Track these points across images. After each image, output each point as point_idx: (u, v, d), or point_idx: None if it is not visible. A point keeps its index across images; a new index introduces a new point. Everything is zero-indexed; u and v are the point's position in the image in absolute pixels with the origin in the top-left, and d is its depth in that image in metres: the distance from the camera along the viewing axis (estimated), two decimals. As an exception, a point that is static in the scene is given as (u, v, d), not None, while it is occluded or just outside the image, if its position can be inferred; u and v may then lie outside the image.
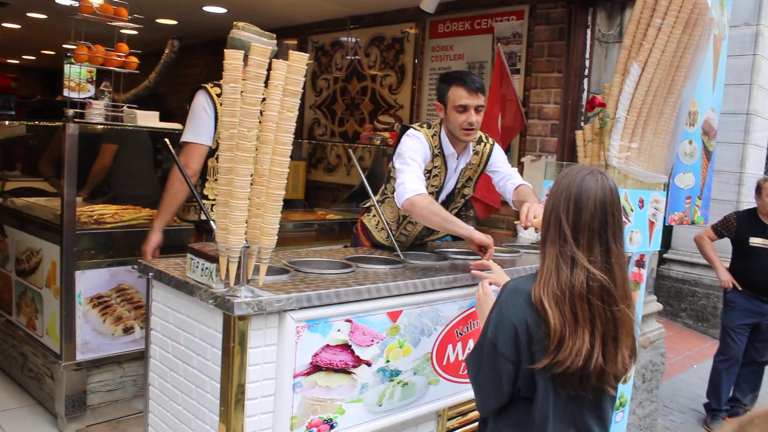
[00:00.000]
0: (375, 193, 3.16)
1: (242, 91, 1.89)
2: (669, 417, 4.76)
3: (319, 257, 2.75)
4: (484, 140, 3.14)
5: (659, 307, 4.57)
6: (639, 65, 3.45)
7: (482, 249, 2.68)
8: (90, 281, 3.36)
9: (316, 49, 5.98)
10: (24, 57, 6.90)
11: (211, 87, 3.05)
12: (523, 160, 4.14)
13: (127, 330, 3.49)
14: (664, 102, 3.62)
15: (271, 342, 2.08)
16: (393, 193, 3.01)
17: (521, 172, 4.21)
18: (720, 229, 4.71)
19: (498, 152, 3.16)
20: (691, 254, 4.86)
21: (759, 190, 4.52)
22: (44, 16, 5.79)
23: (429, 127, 2.99)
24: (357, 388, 2.30)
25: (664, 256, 7.26)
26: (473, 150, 3.07)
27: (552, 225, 1.80)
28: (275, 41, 2.85)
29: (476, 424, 2.92)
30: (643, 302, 4.28)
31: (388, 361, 2.39)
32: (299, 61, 1.94)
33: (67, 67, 4.15)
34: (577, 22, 3.92)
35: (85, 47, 3.19)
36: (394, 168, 2.94)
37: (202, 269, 2.11)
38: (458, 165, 3.04)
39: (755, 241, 4.47)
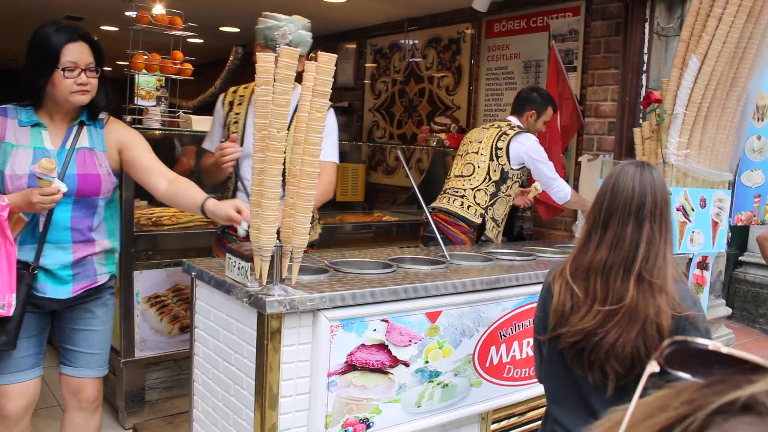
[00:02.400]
0: (431, 199, 3.57)
1: (273, 93, 1.92)
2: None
3: (363, 257, 2.76)
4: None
5: (727, 311, 4.37)
6: (698, 58, 3.32)
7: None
8: (148, 281, 3.47)
9: (375, 52, 6.01)
10: (103, 69, 7.23)
11: (233, 91, 2.93)
12: (580, 159, 4.04)
13: (183, 329, 3.59)
14: (727, 96, 3.47)
15: (305, 340, 2.10)
16: (507, 191, 3.51)
17: (578, 171, 4.11)
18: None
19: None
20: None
21: None
22: (116, 29, 6.05)
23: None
24: (394, 389, 2.30)
25: (740, 258, 6.92)
26: None
27: (592, 211, 1.82)
28: (306, 26, 2.79)
29: (524, 427, 2.87)
30: (708, 307, 4.10)
31: (427, 362, 2.37)
32: (327, 62, 1.95)
33: (137, 77, 4.34)
34: (635, 15, 3.80)
35: (142, 56, 3.32)
36: (511, 169, 3.46)
37: (239, 268, 2.15)
38: None
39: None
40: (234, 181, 2.77)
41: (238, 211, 2.23)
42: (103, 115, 2.36)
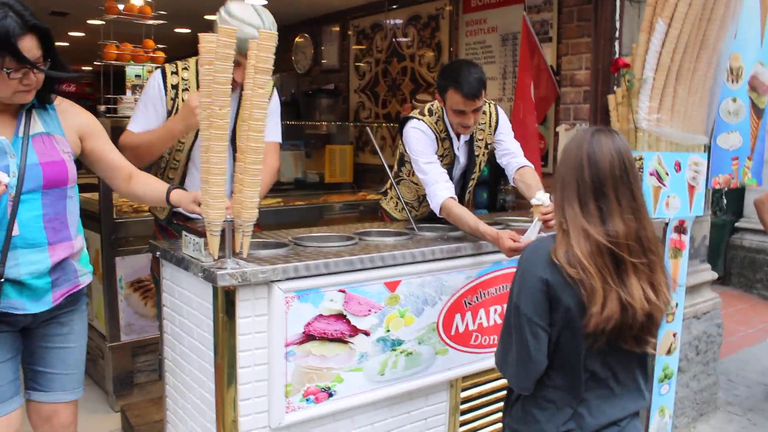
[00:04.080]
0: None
1: (213, 71, 1.96)
2: (733, 391, 4.55)
3: (329, 232, 2.80)
4: (486, 101, 3.08)
5: (713, 276, 4.36)
6: (665, 21, 3.31)
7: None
8: (130, 267, 3.55)
9: (357, 33, 6.02)
10: (96, 63, 7.29)
11: (172, 72, 2.66)
12: (557, 129, 4.05)
13: (168, 312, 3.67)
14: (697, 58, 3.45)
15: (261, 312, 2.15)
16: (409, 175, 3.15)
17: (556, 141, 4.12)
18: (784, 193, 4.42)
19: (504, 120, 3.13)
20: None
21: None
22: (102, 22, 6.10)
23: (431, 113, 3.00)
24: (355, 357, 2.35)
25: (736, 225, 6.90)
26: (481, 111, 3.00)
27: (569, 185, 1.76)
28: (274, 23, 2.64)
29: (496, 395, 2.91)
30: (690, 271, 4.11)
31: (388, 331, 2.42)
32: (268, 39, 1.99)
33: (128, 69, 4.39)
34: (605, -18, 3.78)
35: (113, 46, 3.36)
36: (406, 153, 3.02)
37: (194, 244, 2.20)
38: (461, 139, 3.06)
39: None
40: (183, 168, 2.72)
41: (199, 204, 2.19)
42: (52, 97, 2.11)
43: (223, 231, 2.10)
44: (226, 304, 2.08)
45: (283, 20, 6.79)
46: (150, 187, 2.33)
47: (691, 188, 3.61)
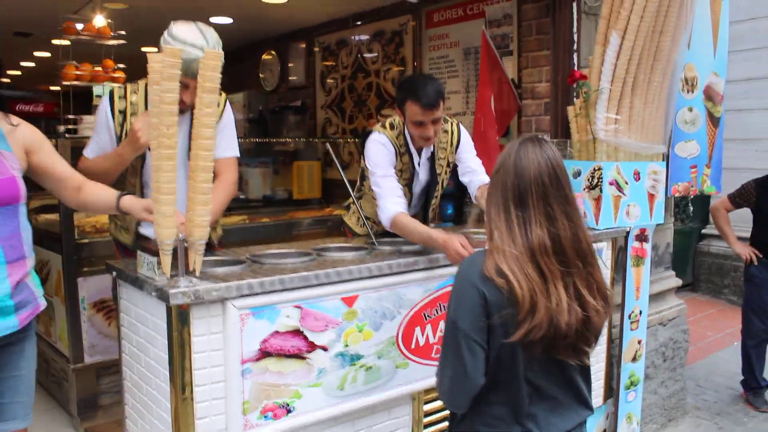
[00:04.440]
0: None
1: (160, 91, 1.97)
2: (701, 396, 4.60)
3: (288, 249, 2.80)
4: (447, 120, 3.16)
5: (677, 282, 4.42)
6: (618, 34, 3.37)
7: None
8: (93, 287, 3.52)
9: (323, 50, 6.07)
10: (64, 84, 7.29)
11: (120, 97, 2.65)
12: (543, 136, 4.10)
13: (133, 332, 3.64)
14: (652, 70, 3.52)
15: (215, 330, 2.15)
16: (370, 190, 3.10)
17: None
18: (737, 199, 4.49)
19: (466, 138, 3.18)
20: (732, 229, 4.63)
21: None
22: (67, 42, 6.09)
23: (393, 127, 3.02)
24: (313, 373, 2.35)
25: (703, 231, 7.01)
26: (442, 130, 3.08)
27: (495, 195, 1.78)
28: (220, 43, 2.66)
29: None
30: (654, 279, 4.16)
31: (347, 346, 2.42)
32: (213, 57, 2.00)
33: (94, 89, 4.37)
34: (562, -3, 3.85)
35: (73, 66, 3.35)
36: (367, 167, 3.02)
37: (147, 264, 2.20)
38: (421, 158, 3.09)
39: (777, 209, 4.25)
40: (140, 190, 2.71)
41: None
42: None
43: (175, 250, 2.10)
44: (180, 322, 2.07)
45: (250, 38, 6.86)
46: (100, 195, 2.32)
47: (651, 197, 3.67)
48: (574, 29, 3.87)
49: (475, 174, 3.11)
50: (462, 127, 3.20)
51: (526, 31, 4.14)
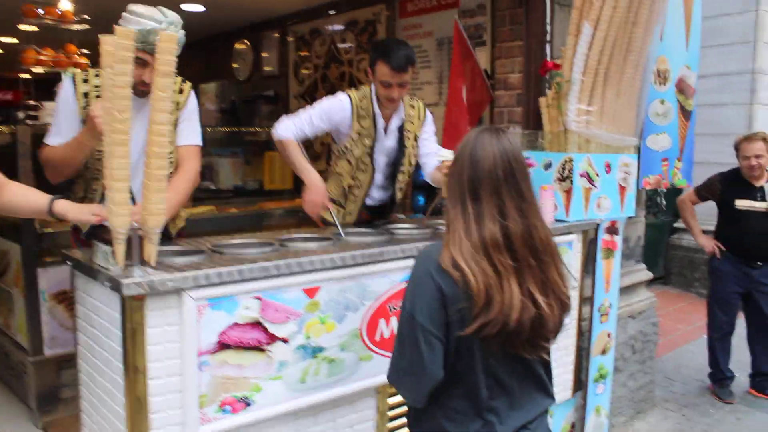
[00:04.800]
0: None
1: (112, 75, 1.90)
2: (669, 388, 4.62)
3: (251, 239, 2.74)
4: (412, 98, 3.31)
5: (648, 276, 4.43)
6: (591, 24, 3.34)
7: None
8: (54, 278, 3.43)
9: (297, 39, 5.99)
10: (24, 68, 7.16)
11: (83, 80, 2.60)
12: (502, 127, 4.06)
13: (95, 324, 3.56)
14: (624, 61, 3.50)
15: (172, 321, 2.08)
16: (335, 167, 3.23)
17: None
18: (703, 192, 4.52)
19: (430, 119, 3.30)
20: (702, 222, 4.67)
21: (737, 149, 4.32)
22: (35, 28, 5.95)
23: (359, 91, 3.13)
24: (274, 366, 2.29)
25: (675, 225, 7.04)
26: (408, 104, 3.22)
27: (453, 186, 1.75)
28: (180, 24, 2.52)
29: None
30: (625, 272, 4.16)
31: (308, 338, 2.37)
32: (168, 40, 1.93)
33: (63, 75, 4.26)
34: (535, -14, 3.82)
35: (33, 50, 3.25)
36: (333, 142, 3.17)
37: (102, 253, 2.13)
38: (390, 125, 3.15)
39: (741, 203, 4.26)
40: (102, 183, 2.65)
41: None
42: None
43: (130, 239, 2.03)
44: (134, 314, 2.01)
45: (223, 27, 6.76)
46: (25, 198, 2.18)
47: (622, 189, 3.65)
48: (548, 20, 3.84)
49: (431, 156, 3.20)
50: (427, 110, 3.33)
51: (500, 22, 4.10)
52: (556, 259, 1.75)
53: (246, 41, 6.56)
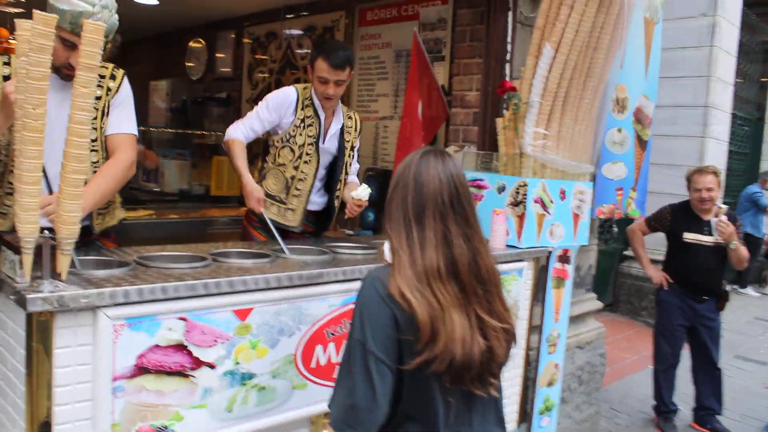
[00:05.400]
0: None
1: (28, 65, 1.70)
2: (614, 420, 4.56)
3: (183, 251, 2.55)
4: (354, 111, 3.42)
5: (598, 305, 4.37)
6: (552, 46, 3.26)
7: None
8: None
9: (253, 41, 5.80)
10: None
11: (3, 63, 2.40)
12: (446, 150, 3.94)
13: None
14: (584, 86, 3.43)
15: (84, 342, 1.89)
16: (275, 161, 3.21)
17: (446, 163, 4.02)
18: (653, 223, 4.50)
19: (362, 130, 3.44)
20: (651, 251, 4.66)
21: (688, 181, 4.30)
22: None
23: (304, 83, 3.26)
24: (198, 393, 2.11)
25: (624, 253, 7.06)
26: (346, 114, 3.30)
27: (395, 210, 1.64)
28: (116, 7, 2.33)
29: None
30: (575, 300, 4.08)
31: (237, 363, 2.19)
32: (94, 31, 1.74)
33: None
34: (498, 4, 3.73)
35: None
36: (270, 137, 3.25)
37: (9, 262, 1.92)
38: (331, 124, 3.22)
39: (689, 236, 4.24)
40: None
41: None
42: None
43: (40, 248, 1.83)
44: (40, 332, 1.81)
45: (178, 23, 6.52)
46: None
47: (576, 217, 3.57)
48: (509, 38, 3.75)
49: (351, 165, 3.35)
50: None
51: (460, 37, 4.00)
52: (500, 288, 1.66)
53: (201, 40, 6.34)
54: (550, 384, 3.60)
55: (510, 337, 1.63)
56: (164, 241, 2.99)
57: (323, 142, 3.22)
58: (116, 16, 2.31)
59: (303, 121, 3.15)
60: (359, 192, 2.93)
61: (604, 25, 3.31)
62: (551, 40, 3.26)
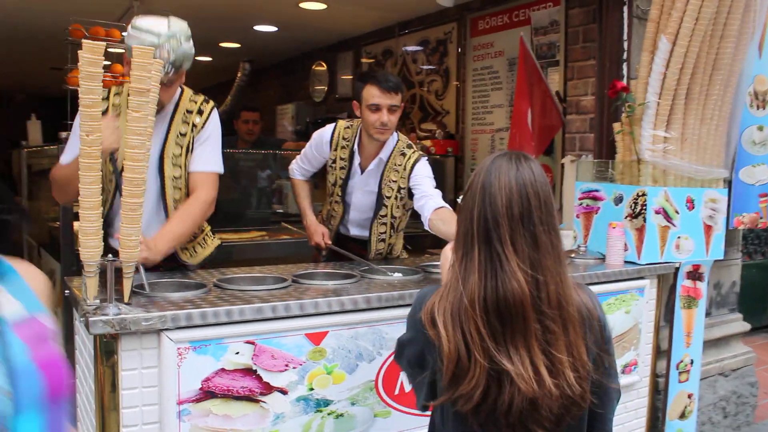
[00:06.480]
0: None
1: (80, 93, 1.73)
2: (771, 458, 4.01)
3: (267, 273, 2.52)
4: (412, 148, 3.00)
5: (745, 327, 3.87)
6: (669, 39, 2.95)
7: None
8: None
9: (370, 60, 5.80)
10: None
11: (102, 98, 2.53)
12: (562, 161, 3.68)
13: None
14: (710, 81, 3.07)
15: (149, 364, 1.89)
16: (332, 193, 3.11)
17: (562, 174, 3.75)
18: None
19: (423, 166, 2.90)
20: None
21: None
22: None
23: (350, 120, 3.06)
24: (269, 419, 2.05)
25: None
26: (398, 150, 2.93)
27: (461, 224, 1.42)
28: (188, 35, 2.31)
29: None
30: (716, 322, 3.65)
31: (311, 389, 2.11)
32: (143, 55, 1.75)
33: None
34: None
35: (78, 71, 3.20)
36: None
37: (83, 285, 1.96)
38: (369, 166, 2.92)
39: None
40: (112, 194, 2.52)
41: None
42: None
43: (104, 272, 1.86)
44: (105, 354, 1.83)
45: (299, 48, 6.69)
46: None
47: (708, 228, 3.19)
48: (624, 36, 3.43)
49: (430, 198, 2.77)
50: (423, 160, 2.93)
51: (573, 39, 3.74)
52: (575, 328, 1.35)
53: (322, 63, 6.45)
54: (682, 416, 3.21)
55: (572, 391, 1.31)
56: (273, 262, 2.98)
57: (359, 176, 2.95)
58: (190, 44, 2.30)
59: (335, 161, 2.99)
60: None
61: (731, 10, 2.94)
62: (667, 33, 2.94)
